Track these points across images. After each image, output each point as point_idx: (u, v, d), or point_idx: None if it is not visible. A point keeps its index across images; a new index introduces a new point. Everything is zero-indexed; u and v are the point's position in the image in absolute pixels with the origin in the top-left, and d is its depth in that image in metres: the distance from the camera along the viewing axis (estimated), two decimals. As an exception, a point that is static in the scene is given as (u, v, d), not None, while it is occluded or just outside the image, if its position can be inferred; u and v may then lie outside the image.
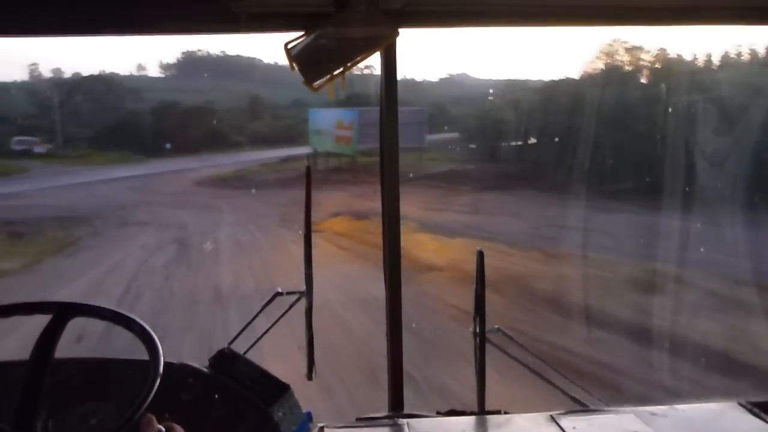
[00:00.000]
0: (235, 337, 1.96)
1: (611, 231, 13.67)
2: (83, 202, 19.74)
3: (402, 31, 1.87)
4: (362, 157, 25.67)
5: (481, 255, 1.90)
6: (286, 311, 2.05)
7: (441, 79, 33.25)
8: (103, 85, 29.82)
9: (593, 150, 13.86)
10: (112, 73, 31.10)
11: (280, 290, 2.05)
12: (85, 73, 30.68)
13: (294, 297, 2.04)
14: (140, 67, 35.74)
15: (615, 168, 15.54)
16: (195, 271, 12.55)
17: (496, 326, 1.94)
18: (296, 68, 1.81)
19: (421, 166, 23.73)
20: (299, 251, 2.07)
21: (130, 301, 9.95)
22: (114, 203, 19.56)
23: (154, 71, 38.05)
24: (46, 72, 31.26)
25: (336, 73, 1.83)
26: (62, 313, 1.53)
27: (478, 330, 1.92)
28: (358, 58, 1.83)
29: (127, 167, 25.50)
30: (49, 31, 1.96)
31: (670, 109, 14.62)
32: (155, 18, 1.87)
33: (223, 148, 27.83)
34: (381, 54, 1.95)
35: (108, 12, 1.81)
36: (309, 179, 2.12)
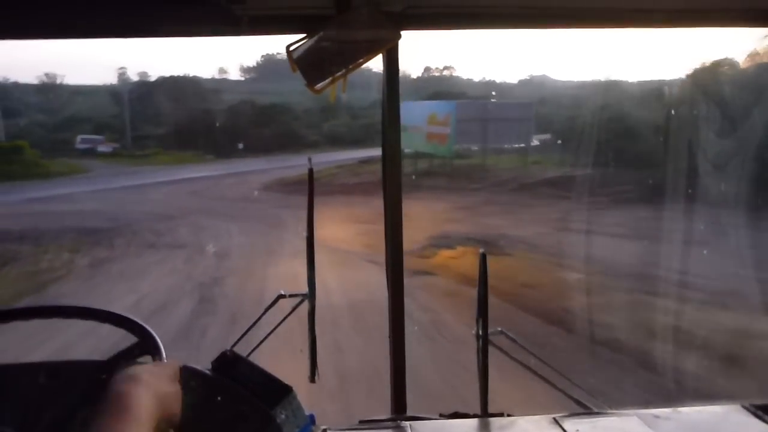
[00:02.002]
0: (238, 340, 1.97)
1: None
2: (128, 208, 18.19)
3: (404, 33, 1.86)
4: (457, 159, 23.90)
5: (483, 257, 1.90)
6: (289, 313, 2.06)
7: (520, 81, 32.68)
8: (180, 86, 29.77)
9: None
10: (194, 77, 31.43)
11: (282, 292, 2.07)
12: (167, 76, 31.19)
13: (297, 299, 2.05)
14: (221, 70, 36.38)
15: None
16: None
17: (499, 328, 1.95)
18: (298, 70, 1.81)
19: (528, 171, 21.55)
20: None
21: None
22: (162, 211, 17.46)
23: (234, 74, 38.65)
24: (133, 76, 31.90)
25: (338, 75, 1.83)
26: (62, 316, 1.54)
27: (480, 332, 1.92)
28: (360, 61, 1.84)
29: (194, 168, 24.49)
30: (49, 34, 1.97)
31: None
32: (156, 21, 1.88)
33: (298, 149, 26.45)
34: (383, 56, 1.96)
35: (109, 15, 1.83)
36: (312, 179, 2.12)
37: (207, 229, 15.29)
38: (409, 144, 23.08)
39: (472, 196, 19.28)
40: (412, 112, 23.45)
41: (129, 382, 1.03)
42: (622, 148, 17.19)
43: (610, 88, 22.35)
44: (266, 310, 2.05)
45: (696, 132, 12.51)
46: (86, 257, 13.00)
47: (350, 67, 1.83)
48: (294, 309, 2.05)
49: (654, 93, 19.25)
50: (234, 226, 15.66)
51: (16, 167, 22.08)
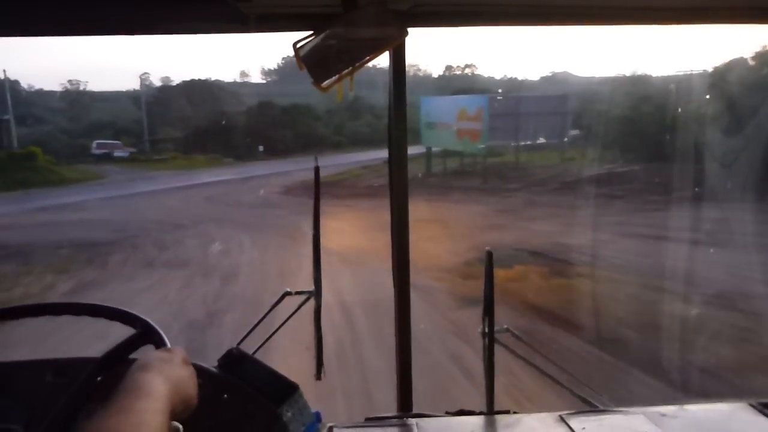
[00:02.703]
0: (244, 337, 1.98)
1: None
2: (138, 216, 17.29)
3: (422, 32, 1.90)
4: (490, 158, 22.59)
5: (489, 255, 1.90)
6: (295, 311, 2.06)
7: (542, 78, 33.21)
8: (200, 90, 29.68)
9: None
10: (215, 80, 31.58)
11: (289, 290, 2.07)
12: (188, 80, 31.45)
13: (303, 297, 2.06)
14: (243, 74, 36.86)
15: None
16: None
17: (505, 326, 1.95)
18: (305, 68, 1.82)
19: (566, 168, 20.38)
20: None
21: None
22: (173, 219, 16.41)
23: (256, 77, 39.03)
24: (156, 81, 32.33)
25: (344, 72, 1.84)
26: (67, 313, 1.55)
27: (486, 330, 1.92)
28: (367, 59, 1.84)
29: (213, 171, 23.89)
30: (55, 32, 2.00)
31: None
32: (163, 18, 1.90)
33: (321, 149, 26.08)
34: (390, 54, 1.96)
35: (116, 12, 1.84)
36: (318, 177, 2.13)
37: (216, 241, 13.87)
38: (437, 142, 22.40)
39: (511, 198, 18.10)
40: (441, 107, 22.59)
41: (142, 370, 1.04)
42: (667, 141, 15.51)
43: (638, 82, 22.09)
44: (272, 307, 2.05)
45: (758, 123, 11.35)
46: (71, 280, 11.34)
47: (357, 65, 1.83)
48: (300, 306, 2.05)
49: (687, 86, 18.06)
50: (247, 237, 14.19)
51: (29, 174, 21.92)
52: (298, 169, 21.57)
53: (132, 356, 1.51)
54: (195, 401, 1.12)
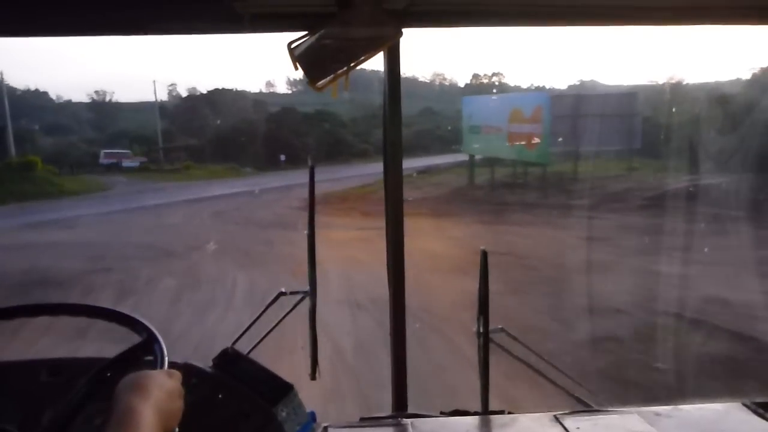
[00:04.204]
0: (239, 337, 1.98)
1: None
2: (126, 239, 14.59)
3: (406, 31, 1.87)
4: (532, 167, 19.17)
5: (484, 254, 1.90)
6: (290, 311, 2.07)
7: (570, 86, 31.68)
8: (224, 98, 29.07)
9: None
10: (240, 90, 31.33)
11: (283, 290, 2.08)
12: (212, 89, 31.08)
13: (298, 297, 2.06)
14: (269, 84, 36.88)
15: None
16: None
17: (500, 326, 1.95)
18: (300, 68, 1.83)
19: (638, 179, 17.48)
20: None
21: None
22: (163, 245, 13.60)
23: (282, 88, 39.07)
24: (183, 92, 32.33)
25: (340, 72, 1.85)
26: (65, 314, 1.55)
27: (481, 330, 1.92)
28: (362, 58, 1.85)
29: (229, 183, 22.15)
30: (51, 31, 2.01)
31: None
32: (158, 18, 1.91)
33: (346, 159, 25.33)
34: (384, 54, 1.97)
35: (110, 12, 1.85)
36: (312, 178, 2.15)
37: (202, 286, 10.28)
38: (482, 148, 19.33)
39: (592, 219, 14.08)
40: (488, 108, 19.47)
41: (136, 395, 1.06)
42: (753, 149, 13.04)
43: (676, 89, 19.86)
44: (267, 307, 2.06)
45: None
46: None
47: (352, 64, 1.84)
48: (295, 306, 2.06)
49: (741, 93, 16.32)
50: (246, 277, 10.52)
51: (26, 186, 20.61)
52: (322, 180, 17.18)
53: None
54: (177, 422, 1.15)
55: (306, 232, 2.12)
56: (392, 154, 2.06)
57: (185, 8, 1.84)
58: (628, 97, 18.82)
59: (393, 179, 2.06)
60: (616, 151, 19.41)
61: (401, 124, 2.05)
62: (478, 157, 20.48)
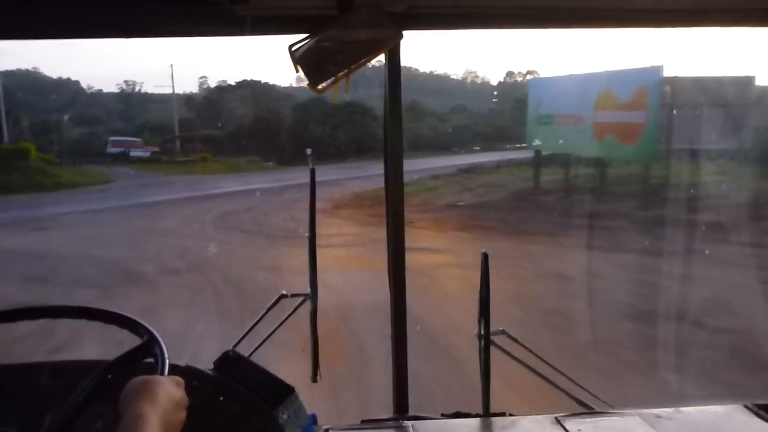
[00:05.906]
0: (240, 340, 1.98)
1: None
2: (96, 252, 11.69)
3: (406, 33, 1.87)
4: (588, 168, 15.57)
5: (485, 257, 1.90)
6: (291, 313, 2.07)
7: None
8: (252, 91, 27.89)
9: None
10: (271, 84, 30.28)
11: (284, 292, 2.07)
12: (240, 80, 29.56)
13: (299, 299, 2.05)
14: (299, 79, 36.56)
15: None
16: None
17: (501, 328, 1.95)
18: (300, 71, 1.82)
19: (755, 188, 11.85)
20: None
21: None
22: (133, 263, 10.82)
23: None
24: (213, 84, 31.70)
25: (340, 75, 1.84)
26: (65, 316, 1.54)
27: (482, 332, 1.92)
28: (362, 61, 1.85)
29: (246, 177, 20.26)
30: (52, 34, 2.00)
31: None
32: (158, 21, 1.90)
33: (377, 154, 23.94)
34: (385, 56, 1.97)
35: (111, 15, 1.85)
36: (313, 180, 2.14)
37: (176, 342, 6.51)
38: (557, 143, 15.52)
39: (742, 248, 9.76)
40: (564, 92, 15.29)
41: (145, 401, 1.07)
42: None
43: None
44: (268, 309, 2.06)
45: None
46: None
47: (352, 67, 1.84)
48: (296, 309, 2.06)
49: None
50: (212, 346, 6.43)
51: (16, 176, 18.43)
52: (351, 177, 17.28)
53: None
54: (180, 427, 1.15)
55: (307, 234, 2.11)
56: (393, 156, 2.06)
57: (186, 11, 1.83)
58: (743, 83, 14.60)
59: (394, 181, 2.06)
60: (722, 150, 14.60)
61: (402, 127, 2.05)
62: (551, 151, 17.12)
